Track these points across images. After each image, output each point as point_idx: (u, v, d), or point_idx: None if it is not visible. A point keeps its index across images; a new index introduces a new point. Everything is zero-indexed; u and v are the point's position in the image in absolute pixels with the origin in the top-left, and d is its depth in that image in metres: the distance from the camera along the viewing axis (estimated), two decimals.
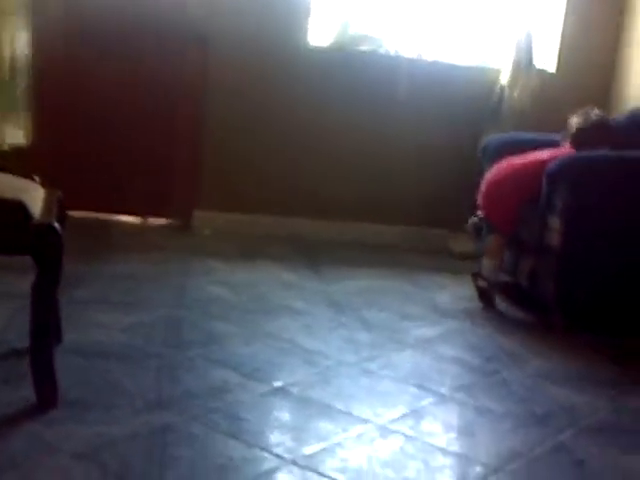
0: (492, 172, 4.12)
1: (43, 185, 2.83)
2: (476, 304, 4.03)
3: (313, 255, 4.76)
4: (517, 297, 4.18)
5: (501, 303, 4.11)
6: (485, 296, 4.03)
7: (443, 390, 2.86)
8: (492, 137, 4.66)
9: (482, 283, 4.03)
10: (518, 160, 4.05)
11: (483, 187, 4.13)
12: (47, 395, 2.40)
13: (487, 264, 4.04)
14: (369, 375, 2.93)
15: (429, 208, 5.32)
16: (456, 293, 4.22)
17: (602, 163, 3.70)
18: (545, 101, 5.21)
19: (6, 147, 3.50)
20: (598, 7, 5.37)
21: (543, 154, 4.01)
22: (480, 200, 4.13)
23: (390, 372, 2.98)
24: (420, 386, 2.87)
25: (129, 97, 5.00)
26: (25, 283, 2.41)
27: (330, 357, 3.07)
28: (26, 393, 2.41)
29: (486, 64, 5.36)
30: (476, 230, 4.27)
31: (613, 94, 5.38)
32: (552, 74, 5.39)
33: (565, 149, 4.09)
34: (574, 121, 4.13)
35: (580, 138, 4.03)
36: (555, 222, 3.68)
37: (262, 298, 3.78)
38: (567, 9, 5.34)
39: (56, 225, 2.36)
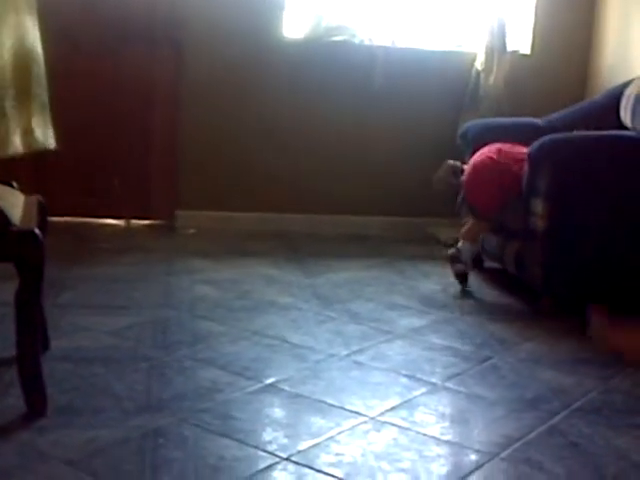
0: (476, 157, 4.10)
1: (22, 191, 2.80)
2: (463, 291, 4.03)
3: (297, 249, 4.74)
4: (504, 283, 4.18)
5: (489, 290, 4.11)
6: (463, 279, 4.06)
7: (434, 379, 2.85)
8: (471, 123, 4.64)
9: (460, 267, 4.05)
10: (503, 150, 4.04)
11: (467, 171, 4.12)
12: (36, 403, 2.37)
13: (464, 248, 4.05)
14: (360, 367, 2.92)
15: (410, 196, 5.30)
16: (442, 281, 4.20)
17: (584, 144, 3.70)
18: (521, 83, 5.22)
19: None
20: None
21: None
22: (464, 183, 4.13)
23: (381, 364, 2.97)
24: (411, 376, 2.86)
25: (104, 98, 4.96)
26: (8, 291, 2.38)
27: (319, 351, 3.06)
28: (15, 402, 2.39)
29: (461, 48, 5.35)
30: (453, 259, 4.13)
31: (589, 73, 5.37)
32: (527, 56, 5.38)
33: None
34: None
35: None
36: (539, 206, 3.67)
37: (247, 295, 3.76)
38: None
39: (37, 231, 2.33)
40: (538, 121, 4.58)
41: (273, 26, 5.06)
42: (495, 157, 3.99)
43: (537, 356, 3.15)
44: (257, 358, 2.95)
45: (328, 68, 5.11)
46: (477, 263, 4.52)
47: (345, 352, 3.07)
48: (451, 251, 4.10)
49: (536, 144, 3.73)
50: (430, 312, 3.66)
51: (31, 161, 4.79)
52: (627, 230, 3.68)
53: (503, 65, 5.17)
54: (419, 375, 2.88)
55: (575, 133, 3.93)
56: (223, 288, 3.84)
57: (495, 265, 4.26)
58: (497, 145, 4.07)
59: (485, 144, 4.35)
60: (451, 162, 4.29)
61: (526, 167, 3.75)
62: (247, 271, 4.18)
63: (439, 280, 4.22)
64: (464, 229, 4.14)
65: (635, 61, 4.85)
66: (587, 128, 4.11)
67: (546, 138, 3.74)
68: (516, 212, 3.88)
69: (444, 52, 5.30)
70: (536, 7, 5.34)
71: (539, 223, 3.67)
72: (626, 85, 4.41)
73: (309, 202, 5.23)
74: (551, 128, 4.38)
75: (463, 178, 4.11)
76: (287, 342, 3.14)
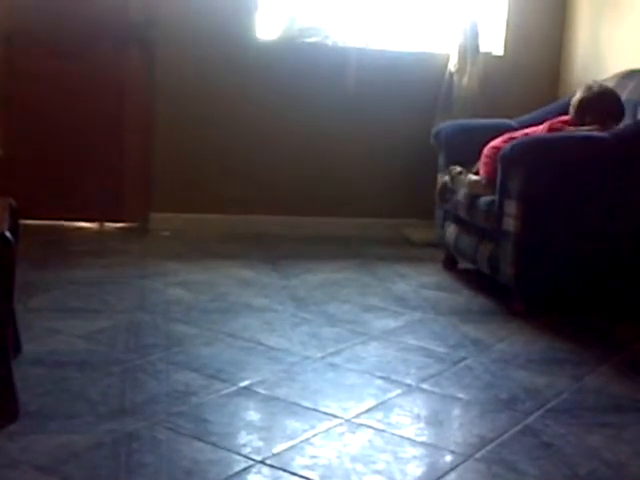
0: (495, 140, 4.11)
1: None
2: (437, 293, 4.04)
3: (271, 251, 4.73)
4: (478, 283, 4.19)
5: (463, 291, 4.12)
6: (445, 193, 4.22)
7: (409, 381, 2.85)
8: (444, 124, 4.66)
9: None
10: (518, 135, 4.05)
11: (485, 152, 4.09)
12: (8, 408, 2.35)
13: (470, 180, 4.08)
14: (335, 369, 2.92)
15: (383, 198, 5.30)
16: (416, 282, 4.21)
17: (556, 145, 3.71)
18: (494, 85, 5.24)
19: None
20: None
21: (541, 128, 4.08)
22: (483, 165, 4.10)
23: (356, 365, 2.97)
24: (386, 378, 2.86)
25: (75, 100, 4.94)
26: None
27: (294, 353, 3.05)
28: None
29: (434, 50, 5.35)
30: (444, 191, 4.29)
31: (561, 73, 5.39)
32: (500, 57, 5.40)
33: (561, 120, 4.12)
34: (577, 94, 4.13)
35: (583, 108, 4.04)
36: (512, 207, 3.68)
37: (222, 297, 3.75)
38: None
39: (7, 234, 2.31)
40: (512, 122, 4.59)
41: (246, 27, 5.04)
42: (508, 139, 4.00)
43: (511, 356, 3.16)
44: (231, 361, 2.94)
45: (301, 70, 5.10)
46: (451, 264, 4.54)
47: (320, 354, 3.06)
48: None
49: (508, 146, 3.74)
50: (404, 313, 3.66)
51: (2, 164, 4.77)
52: (600, 232, 3.70)
53: (476, 66, 5.18)
54: (394, 377, 2.88)
55: (549, 134, 3.95)
56: (197, 291, 3.82)
57: (469, 266, 4.27)
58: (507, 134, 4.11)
59: (459, 145, 4.41)
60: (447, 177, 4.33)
61: (499, 168, 3.76)
62: (221, 273, 4.17)
63: (413, 281, 4.23)
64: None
65: (606, 61, 4.88)
66: None
67: (518, 140, 3.76)
68: (488, 211, 3.89)
69: (417, 53, 5.30)
70: (509, 8, 5.36)
71: (512, 224, 3.68)
72: None
73: (283, 204, 5.22)
74: (525, 126, 4.40)
75: (482, 160, 4.11)
76: (262, 344, 3.13)
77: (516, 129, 4.36)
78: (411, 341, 3.28)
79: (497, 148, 3.96)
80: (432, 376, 2.91)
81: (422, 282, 4.21)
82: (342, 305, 3.73)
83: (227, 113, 5.06)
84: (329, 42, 5.24)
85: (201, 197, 5.11)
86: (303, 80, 5.11)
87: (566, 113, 4.27)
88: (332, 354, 3.07)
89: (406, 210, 5.23)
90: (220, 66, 5.00)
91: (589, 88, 4.13)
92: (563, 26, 5.39)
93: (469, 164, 4.27)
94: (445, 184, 4.25)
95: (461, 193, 4.12)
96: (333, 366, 2.95)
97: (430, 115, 5.12)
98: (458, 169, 4.23)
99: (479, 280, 4.19)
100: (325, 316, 3.55)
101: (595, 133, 3.78)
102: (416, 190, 4.91)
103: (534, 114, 4.63)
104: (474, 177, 4.09)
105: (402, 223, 5.29)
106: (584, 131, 3.86)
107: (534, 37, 5.38)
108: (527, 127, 4.29)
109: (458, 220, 4.26)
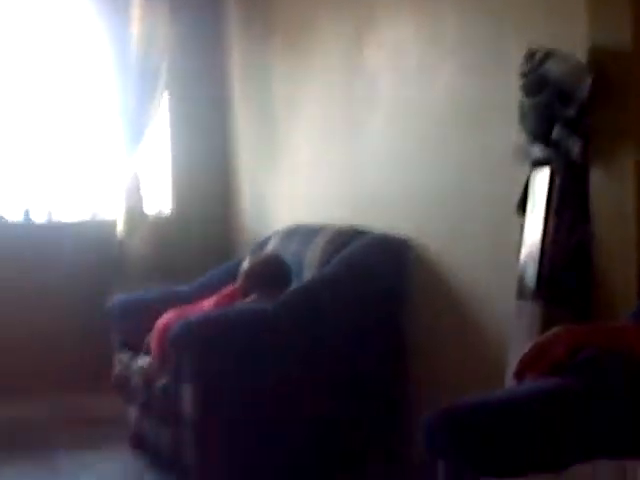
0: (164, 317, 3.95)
1: None
2: None
3: None
4: (165, 469, 3.97)
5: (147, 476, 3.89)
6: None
7: None
8: (118, 298, 4.49)
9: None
10: (187, 310, 3.94)
11: (155, 331, 3.92)
12: None
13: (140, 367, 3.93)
14: None
15: (62, 373, 4.94)
16: (99, 472, 3.92)
17: (222, 323, 3.64)
18: (165, 247, 5.13)
19: None
20: (203, 146, 5.39)
21: (209, 302, 3.99)
22: (153, 345, 3.92)
23: None
24: None
25: None
26: None
27: None
28: None
29: (100, 217, 5.18)
30: (120, 383, 4.14)
31: (231, 230, 5.41)
32: (168, 217, 5.33)
33: (229, 291, 4.05)
34: (245, 263, 4.07)
35: (249, 279, 3.93)
36: (187, 390, 3.55)
37: None
38: (173, 148, 5.32)
39: None
40: (186, 288, 4.51)
41: None
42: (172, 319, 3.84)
43: None
44: None
45: None
46: (138, 442, 4.30)
47: None
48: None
49: (177, 326, 3.61)
50: None
51: None
52: (280, 411, 3.62)
53: (145, 229, 5.09)
54: None
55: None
56: None
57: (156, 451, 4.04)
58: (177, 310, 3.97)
59: (132, 321, 4.26)
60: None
61: (170, 352, 3.63)
62: None
63: (95, 472, 3.93)
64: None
65: (271, 217, 4.94)
66: None
67: (186, 320, 3.65)
68: (167, 394, 3.74)
69: (82, 223, 5.10)
70: (172, 166, 5.32)
71: (188, 407, 3.53)
72: (265, 242, 4.48)
73: None
74: (199, 293, 4.32)
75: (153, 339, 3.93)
76: None
77: (188, 298, 4.28)
78: None
79: (166, 326, 3.83)
80: None
81: (105, 471, 3.92)
82: None
83: None
84: None
85: None
86: None
87: (236, 275, 4.27)
88: None
89: (89, 386, 4.92)
90: None
91: (255, 257, 4.14)
92: (228, 183, 5.41)
93: (144, 341, 4.12)
94: (118, 374, 4.07)
95: (135, 380, 3.96)
96: None
97: (104, 286, 4.89)
98: (127, 356, 4.09)
99: (167, 462, 3.95)
100: None
101: (258, 305, 3.75)
102: (96, 365, 4.63)
103: (206, 278, 4.57)
104: (144, 362, 3.94)
105: (86, 400, 4.97)
106: (250, 302, 3.82)
107: (201, 195, 5.35)
108: (199, 296, 4.22)
109: (138, 404, 4.06)
